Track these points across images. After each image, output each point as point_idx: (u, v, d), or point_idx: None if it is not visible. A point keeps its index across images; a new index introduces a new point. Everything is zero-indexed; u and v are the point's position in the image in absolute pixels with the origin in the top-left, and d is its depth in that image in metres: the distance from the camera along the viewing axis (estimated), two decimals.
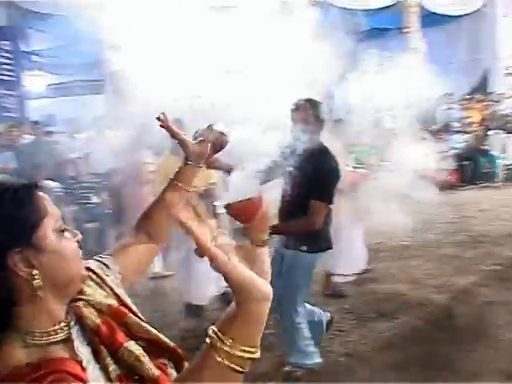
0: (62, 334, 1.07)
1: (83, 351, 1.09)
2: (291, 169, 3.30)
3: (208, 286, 4.71)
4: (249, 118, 3.77)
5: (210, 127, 1.81)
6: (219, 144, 2.65)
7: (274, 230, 3.39)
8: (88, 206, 6.91)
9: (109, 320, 1.16)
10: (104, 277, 1.30)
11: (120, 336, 1.14)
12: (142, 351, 1.14)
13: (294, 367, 3.74)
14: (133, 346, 1.14)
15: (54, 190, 6.94)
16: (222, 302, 4.88)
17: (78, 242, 1.14)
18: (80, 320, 1.14)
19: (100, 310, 1.17)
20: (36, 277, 1.03)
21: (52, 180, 7.07)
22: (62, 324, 1.08)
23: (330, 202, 3.48)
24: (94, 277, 1.28)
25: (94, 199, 6.99)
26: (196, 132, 2.53)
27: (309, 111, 3.38)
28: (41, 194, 1.12)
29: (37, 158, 7.38)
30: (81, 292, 1.17)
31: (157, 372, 1.13)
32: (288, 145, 3.38)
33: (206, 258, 0.86)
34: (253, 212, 3.10)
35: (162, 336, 1.22)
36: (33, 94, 11.34)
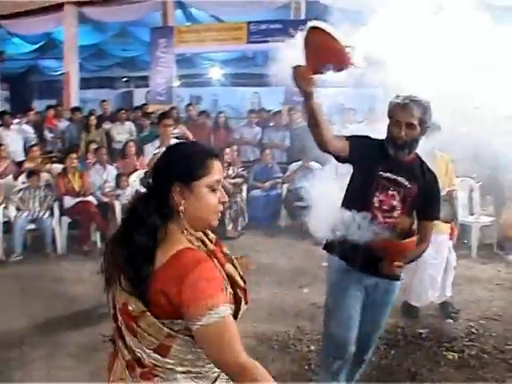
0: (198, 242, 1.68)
1: None
2: (399, 178, 2.84)
3: (429, 290, 4.67)
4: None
5: None
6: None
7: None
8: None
9: (218, 250, 1.74)
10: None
11: (223, 260, 1.72)
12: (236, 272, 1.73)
13: None
14: (231, 267, 1.72)
15: (316, 169, 7.47)
16: (440, 311, 4.78)
17: (222, 202, 1.68)
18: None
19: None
20: (181, 205, 1.62)
21: (317, 162, 7.61)
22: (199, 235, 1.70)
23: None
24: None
25: None
26: None
27: (413, 113, 2.76)
28: (216, 161, 1.68)
29: (307, 141, 7.95)
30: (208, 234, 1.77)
31: (244, 285, 1.72)
32: (376, 147, 2.90)
33: None
34: (405, 252, 2.86)
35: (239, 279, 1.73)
36: (327, 82, 12.15)
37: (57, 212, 6.84)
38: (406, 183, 2.83)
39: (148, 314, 1.55)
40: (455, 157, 4.71)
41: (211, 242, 1.75)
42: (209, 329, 1.47)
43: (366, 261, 2.80)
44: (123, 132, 9.18)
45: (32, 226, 6.79)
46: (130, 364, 1.65)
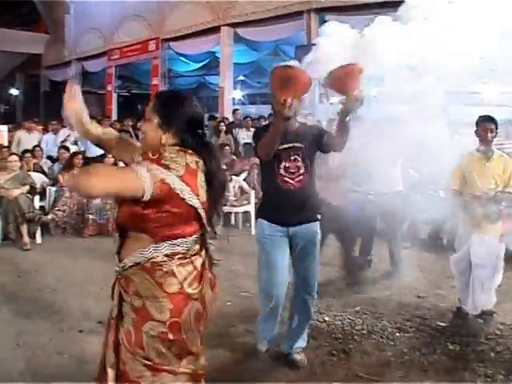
0: None
1: None
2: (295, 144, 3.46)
3: (480, 294, 4.55)
4: None
5: None
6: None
7: None
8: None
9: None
10: None
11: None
12: None
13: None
14: None
15: None
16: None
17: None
18: None
19: None
20: None
21: None
22: None
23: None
24: None
25: (441, 193, 7.29)
26: None
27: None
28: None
29: None
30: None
31: None
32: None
33: None
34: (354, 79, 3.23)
35: None
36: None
37: None
38: (299, 144, 3.40)
39: None
40: None
41: None
42: None
43: (287, 215, 3.45)
44: (247, 137, 10.15)
45: None
46: None
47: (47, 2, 20.61)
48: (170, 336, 2.09)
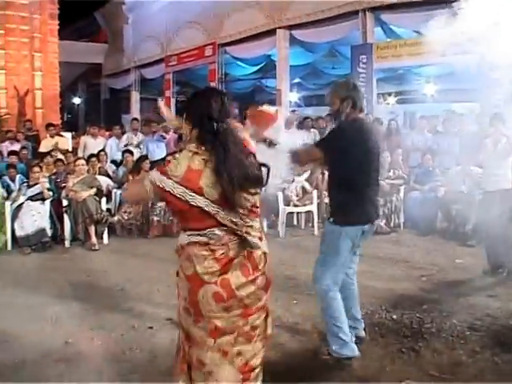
0: None
1: None
2: None
3: None
4: None
5: None
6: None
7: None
8: None
9: None
10: None
11: None
12: None
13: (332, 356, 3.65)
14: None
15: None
16: None
17: None
18: None
19: None
20: None
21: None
22: None
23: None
24: None
25: None
26: None
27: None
28: None
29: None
30: None
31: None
32: None
33: None
34: (269, 121, 3.43)
35: None
36: None
37: None
38: None
39: None
40: None
41: None
42: None
43: None
44: (307, 138, 10.13)
45: None
46: None
47: (106, 14, 21.28)
48: (192, 311, 2.42)
